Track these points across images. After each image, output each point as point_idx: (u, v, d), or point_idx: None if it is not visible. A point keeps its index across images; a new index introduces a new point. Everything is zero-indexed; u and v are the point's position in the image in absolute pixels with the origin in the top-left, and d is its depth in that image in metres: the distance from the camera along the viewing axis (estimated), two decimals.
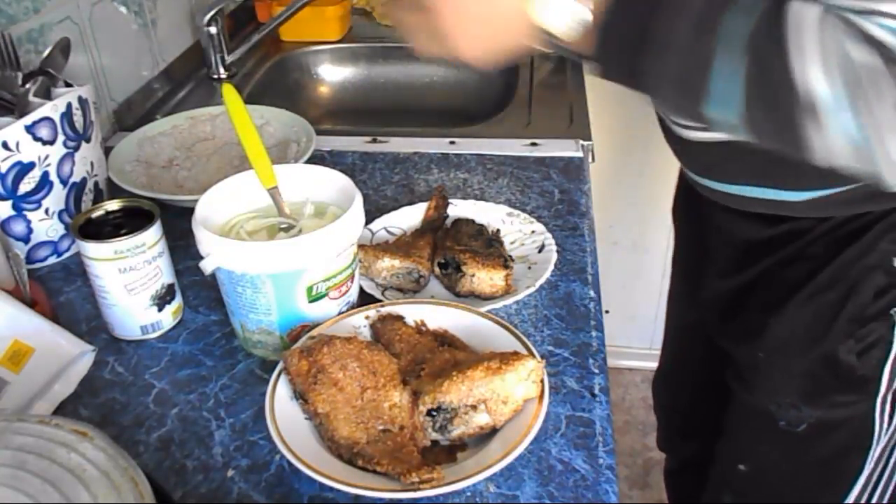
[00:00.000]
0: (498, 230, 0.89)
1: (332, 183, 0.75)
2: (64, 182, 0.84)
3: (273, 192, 0.74)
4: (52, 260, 0.88)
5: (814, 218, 0.75)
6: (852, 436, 0.81)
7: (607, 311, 1.95)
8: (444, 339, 0.70)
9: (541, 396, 0.61)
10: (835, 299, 0.75)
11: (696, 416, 1.15)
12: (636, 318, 2.03)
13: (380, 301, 0.75)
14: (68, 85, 0.88)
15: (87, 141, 0.87)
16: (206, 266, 0.66)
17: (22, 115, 0.79)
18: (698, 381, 1.10)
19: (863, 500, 0.85)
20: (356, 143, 1.12)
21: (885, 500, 0.86)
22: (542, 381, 0.62)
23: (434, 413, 0.61)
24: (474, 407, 0.61)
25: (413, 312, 0.72)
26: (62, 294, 0.83)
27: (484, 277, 0.78)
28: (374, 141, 1.13)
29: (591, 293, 0.80)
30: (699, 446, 1.16)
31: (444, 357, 0.66)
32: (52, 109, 0.80)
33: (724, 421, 0.92)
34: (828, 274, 0.75)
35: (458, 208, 0.92)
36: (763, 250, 0.80)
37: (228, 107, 0.77)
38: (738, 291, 0.84)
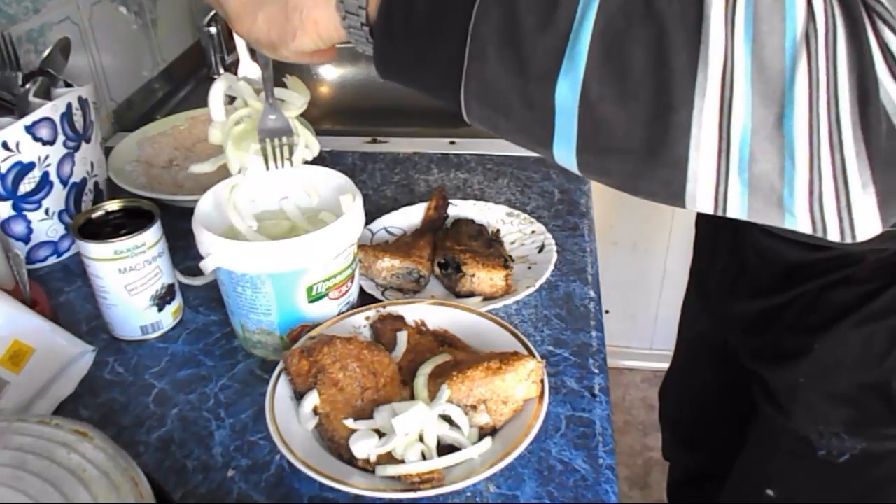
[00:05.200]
0: (498, 230, 0.89)
1: (333, 183, 0.75)
2: (64, 182, 0.84)
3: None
4: (52, 260, 0.88)
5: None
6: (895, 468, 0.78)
7: (607, 311, 1.95)
8: (444, 339, 0.70)
9: (541, 396, 0.61)
10: (892, 327, 0.70)
11: (704, 429, 1.13)
12: (636, 318, 2.03)
13: (380, 301, 0.75)
14: (68, 85, 0.88)
15: (87, 141, 0.87)
16: (206, 266, 0.66)
17: (22, 115, 0.79)
18: (709, 394, 1.08)
19: None
20: (356, 143, 1.12)
21: None
22: (542, 381, 0.62)
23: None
24: (474, 407, 0.61)
25: (413, 312, 0.72)
26: (62, 294, 0.83)
27: (484, 277, 0.78)
28: (374, 141, 1.13)
29: (591, 293, 0.80)
30: (706, 459, 1.15)
31: (444, 357, 0.66)
32: (52, 109, 0.80)
33: (748, 439, 0.89)
34: (885, 300, 0.70)
35: (458, 208, 0.92)
36: (807, 274, 0.75)
37: None
38: (772, 311, 0.80)
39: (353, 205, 0.69)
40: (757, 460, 0.88)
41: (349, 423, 0.60)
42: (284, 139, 0.67)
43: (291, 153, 0.68)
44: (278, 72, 0.66)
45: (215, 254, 0.66)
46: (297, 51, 0.52)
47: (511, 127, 0.45)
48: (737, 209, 0.41)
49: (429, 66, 0.46)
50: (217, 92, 0.69)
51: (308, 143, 0.69)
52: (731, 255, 0.88)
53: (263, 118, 0.67)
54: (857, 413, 0.75)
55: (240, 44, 0.65)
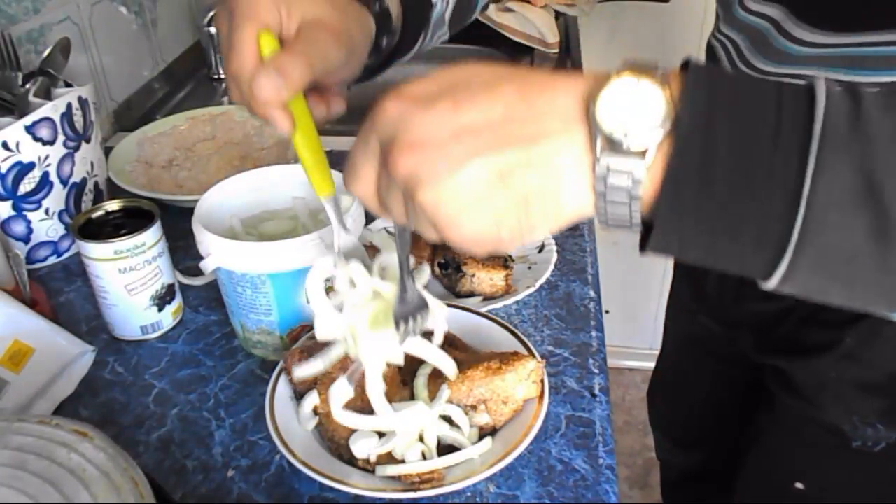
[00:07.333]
0: None
1: None
2: (64, 182, 0.84)
3: (329, 202, 0.58)
4: (52, 260, 0.88)
5: None
6: None
7: (607, 311, 1.95)
8: (444, 339, 0.70)
9: (541, 396, 0.61)
10: None
11: (698, 428, 1.13)
12: (636, 318, 2.04)
13: None
14: (68, 85, 0.88)
15: (87, 141, 0.87)
16: (206, 266, 0.66)
17: (22, 115, 0.79)
18: (702, 393, 1.07)
19: None
20: None
21: None
22: (542, 381, 0.62)
23: None
24: (474, 407, 0.61)
25: None
26: (62, 294, 0.83)
27: (484, 277, 0.78)
28: None
29: (591, 293, 0.80)
30: (700, 457, 1.14)
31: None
32: (52, 109, 0.80)
33: (764, 433, 0.87)
34: None
35: None
36: None
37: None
38: (791, 309, 0.78)
39: (354, 205, 0.69)
40: (780, 454, 0.86)
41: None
42: (419, 317, 0.54)
43: (423, 324, 0.55)
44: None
45: (215, 254, 0.66)
46: (523, 244, 0.43)
47: (845, 294, 0.39)
48: None
49: (731, 236, 0.38)
50: (317, 279, 0.56)
51: (434, 311, 0.56)
52: None
53: (400, 299, 0.53)
54: (893, 403, 0.74)
55: (330, 210, 0.53)
